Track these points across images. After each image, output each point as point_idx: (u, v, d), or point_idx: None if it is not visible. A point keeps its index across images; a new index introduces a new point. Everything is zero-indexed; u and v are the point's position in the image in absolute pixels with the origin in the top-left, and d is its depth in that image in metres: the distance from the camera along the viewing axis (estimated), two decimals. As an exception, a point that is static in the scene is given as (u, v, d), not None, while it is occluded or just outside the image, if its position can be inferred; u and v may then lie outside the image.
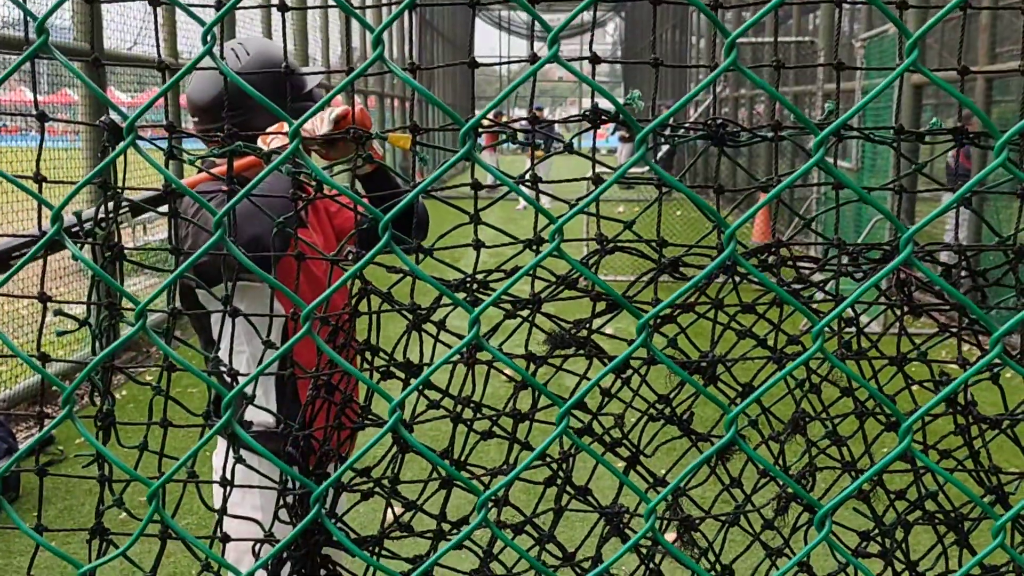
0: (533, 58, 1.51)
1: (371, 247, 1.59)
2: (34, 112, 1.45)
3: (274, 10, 1.70)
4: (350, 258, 1.55)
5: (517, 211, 17.94)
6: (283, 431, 1.60)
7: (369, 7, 1.49)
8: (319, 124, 2.01)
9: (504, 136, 1.60)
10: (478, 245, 1.56)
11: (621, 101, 1.44)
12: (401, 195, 2.07)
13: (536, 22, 1.19)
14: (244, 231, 1.95)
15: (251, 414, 2.30)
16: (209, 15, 1.05)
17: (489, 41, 46.17)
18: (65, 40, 7.32)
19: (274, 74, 2.12)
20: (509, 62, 1.53)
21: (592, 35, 1.62)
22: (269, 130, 2.02)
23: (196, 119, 2.49)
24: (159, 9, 1.47)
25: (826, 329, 1.24)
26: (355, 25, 16.34)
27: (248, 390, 1.65)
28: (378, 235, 0.99)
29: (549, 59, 1.07)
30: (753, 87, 17.52)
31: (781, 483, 1.68)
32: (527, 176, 1.56)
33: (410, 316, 1.60)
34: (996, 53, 9.84)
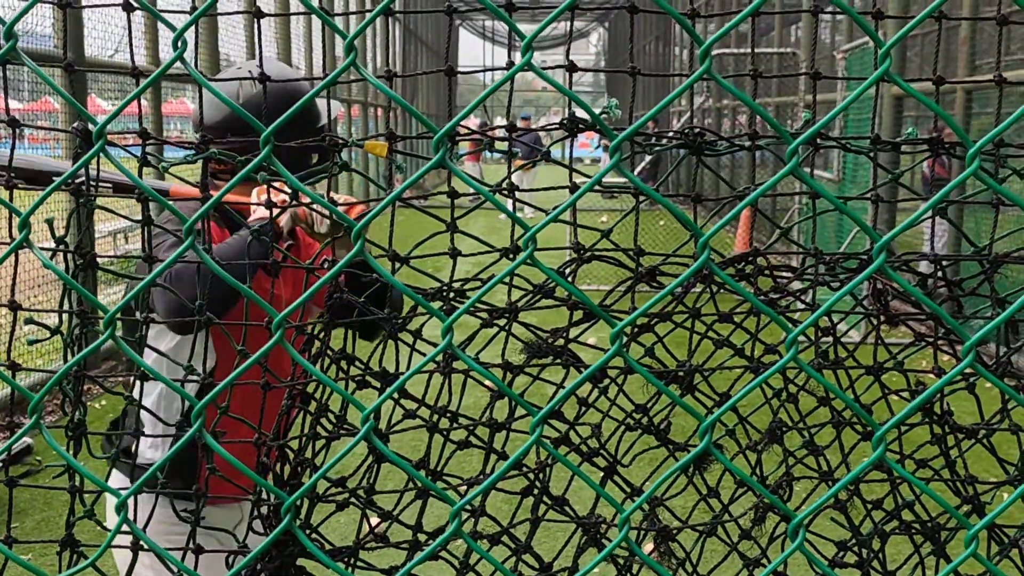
0: (510, 66, 1.51)
1: (341, 317, 1.57)
2: (5, 118, 1.44)
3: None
4: (325, 266, 1.55)
5: (500, 220, 17.97)
6: (257, 440, 1.59)
7: (351, 13, 1.48)
8: (319, 223, 1.96)
9: (483, 144, 1.60)
10: (454, 254, 1.56)
11: (603, 111, 1.44)
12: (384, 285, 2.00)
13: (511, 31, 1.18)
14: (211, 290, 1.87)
15: (144, 451, 2.26)
16: (185, 21, 1.04)
17: (473, 51, 46.24)
18: (46, 47, 7.28)
19: (283, 104, 2.11)
20: (487, 70, 1.53)
21: (569, 45, 1.62)
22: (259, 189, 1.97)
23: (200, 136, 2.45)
24: (142, 18, 1.46)
25: (803, 339, 1.23)
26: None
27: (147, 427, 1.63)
28: (344, 309, 0.98)
29: (523, 66, 1.07)
30: (736, 98, 17.59)
31: (758, 493, 1.68)
32: (504, 184, 1.55)
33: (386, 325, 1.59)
34: (976, 65, 9.91)
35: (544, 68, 1.13)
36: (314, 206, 1.94)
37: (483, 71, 1.58)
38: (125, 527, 1.13)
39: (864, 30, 0.98)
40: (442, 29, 31.09)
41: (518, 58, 1.24)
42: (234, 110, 0.98)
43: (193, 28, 1.06)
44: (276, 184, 1.67)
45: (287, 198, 1.94)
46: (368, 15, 1.05)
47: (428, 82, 28.80)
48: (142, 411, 1.62)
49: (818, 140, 1.56)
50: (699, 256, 1.00)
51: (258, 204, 1.71)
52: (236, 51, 12.41)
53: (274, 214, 1.81)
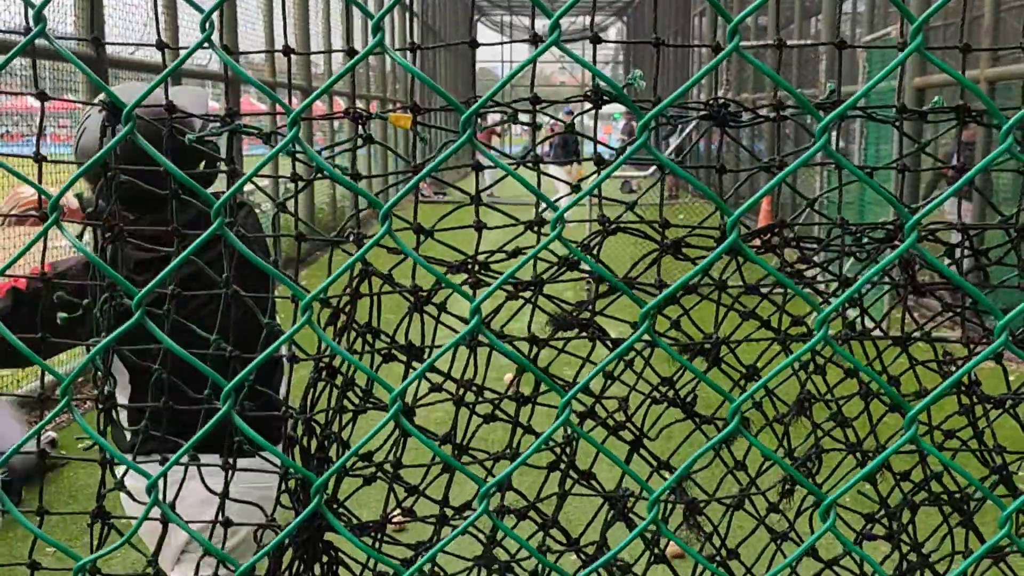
0: (534, 39, 1.51)
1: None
2: (35, 95, 1.45)
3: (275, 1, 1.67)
4: (352, 240, 1.55)
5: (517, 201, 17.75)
6: (284, 413, 1.60)
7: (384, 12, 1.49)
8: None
9: (508, 116, 1.60)
10: (479, 227, 1.56)
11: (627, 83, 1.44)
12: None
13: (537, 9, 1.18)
14: None
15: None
16: (209, 4, 1.05)
17: (490, 47, 46.26)
18: (67, 44, 7.33)
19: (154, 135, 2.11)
20: (510, 43, 1.54)
21: (592, 17, 1.61)
22: None
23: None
24: (162, 9, 1.47)
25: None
26: (356, 26, 16.34)
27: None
28: None
29: (551, 44, 1.06)
30: (755, 89, 17.53)
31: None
32: (528, 157, 1.55)
33: (411, 298, 1.60)
34: (999, 56, 9.83)
35: (565, 57, 1.13)
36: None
37: (507, 43, 1.58)
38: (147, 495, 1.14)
39: (895, 4, 0.98)
40: (461, 24, 31.12)
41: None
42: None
43: (217, 18, 1.06)
44: None
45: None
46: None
47: (446, 77, 28.85)
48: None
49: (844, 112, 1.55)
50: (728, 234, 0.98)
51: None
52: (256, 46, 12.47)
53: None
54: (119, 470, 1.67)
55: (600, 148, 1.58)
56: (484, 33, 43.46)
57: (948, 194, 1.00)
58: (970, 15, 10.63)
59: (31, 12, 1.08)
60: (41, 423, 1.20)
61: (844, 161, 1.10)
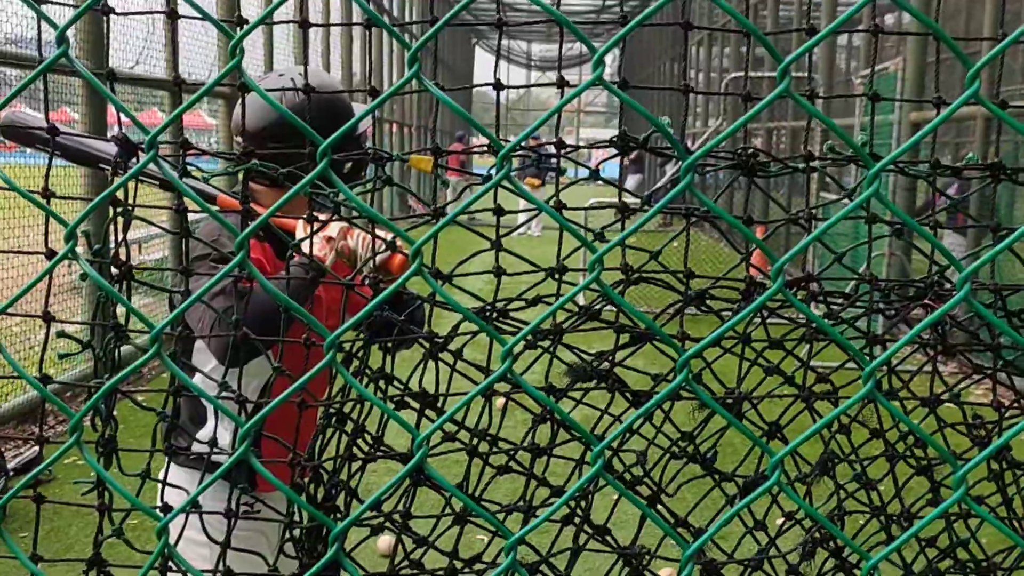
0: (561, 81, 1.48)
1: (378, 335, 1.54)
2: (45, 126, 1.40)
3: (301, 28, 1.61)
4: (366, 283, 1.50)
5: (513, 238, 17.79)
6: (291, 461, 1.54)
7: (412, 23, 1.45)
8: (322, 250, 1.88)
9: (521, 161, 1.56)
10: (499, 272, 1.52)
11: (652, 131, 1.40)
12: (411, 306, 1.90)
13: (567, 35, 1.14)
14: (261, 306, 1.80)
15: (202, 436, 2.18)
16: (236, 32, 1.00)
17: (488, 68, 46.41)
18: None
19: (325, 112, 2.02)
20: (539, 85, 1.49)
21: (620, 63, 1.58)
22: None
23: (240, 140, 2.35)
24: (162, 29, 1.43)
25: (852, 366, 1.19)
26: (355, 47, 16.34)
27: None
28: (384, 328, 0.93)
29: (593, 80, 1.03)
30: (755, 121, 17.57)
31: (808, 527, 1.62)
32: (551, 203, 1.51)
33: (427, 345, 1.55)
34: (998, 92, 9.85)
35: (572, 85, 1.10)
36: (358, 241, 1.85)
37: (537, 86, 1.54)
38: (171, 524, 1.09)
39: (954, 52, 0.94)
40: (459, 48, 31.24)
41: (537, 78, 1.19)
42: (298, 126, 0.93)
43: (219, 40, 1.02)
44: (320, 216, 1.59)
45: (333, 235, 1.84)
46: (414, 26, 1.01)
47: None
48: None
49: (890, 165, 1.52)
50: (773, 282, 0.96)
51: (304, 237, 1.63)
52: (255, 67, 12.47)
53: (319, 249, 1.77)
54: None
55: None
56: (481, 56, 43.60)
57: (1008, 243, 0.96)
58: (970, 48, 10.70)
59: (54, 32, 1.04)
60: (45, 463, 1.15)
61: (897, 209, 1.05)
